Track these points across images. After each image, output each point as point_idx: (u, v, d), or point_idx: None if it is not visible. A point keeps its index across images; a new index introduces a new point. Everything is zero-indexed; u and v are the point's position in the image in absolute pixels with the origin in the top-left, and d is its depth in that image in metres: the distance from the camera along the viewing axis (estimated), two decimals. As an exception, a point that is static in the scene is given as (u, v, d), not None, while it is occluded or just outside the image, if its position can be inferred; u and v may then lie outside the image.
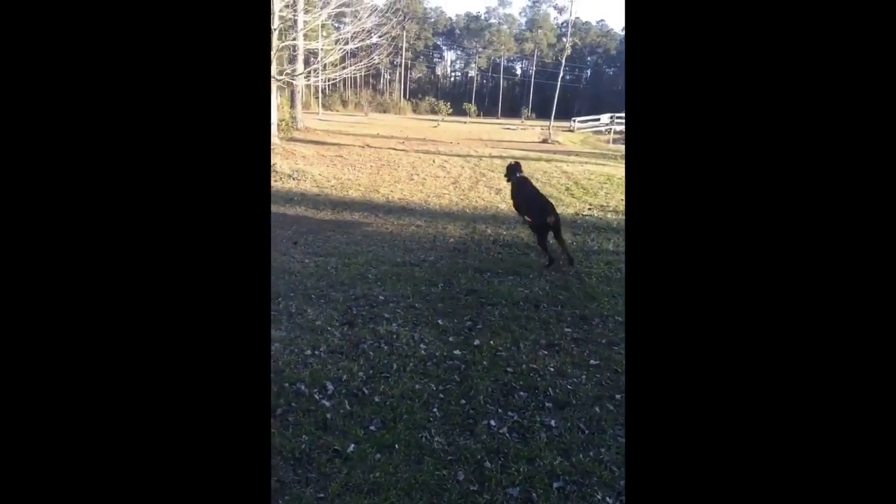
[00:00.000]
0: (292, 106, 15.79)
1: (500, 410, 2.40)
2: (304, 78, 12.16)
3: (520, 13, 57.45)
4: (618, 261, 4.86)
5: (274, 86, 10.71)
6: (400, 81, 52.75)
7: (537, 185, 5.87)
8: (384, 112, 39.08)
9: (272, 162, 9.02)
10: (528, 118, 35.62)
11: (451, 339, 3.13)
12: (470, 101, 41.26)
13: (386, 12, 12.97)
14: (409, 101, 45.75)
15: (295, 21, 11.40)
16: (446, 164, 10.11)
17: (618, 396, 2.55)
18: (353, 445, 2.10)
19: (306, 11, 11.39)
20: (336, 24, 20.58)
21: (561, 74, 22.75)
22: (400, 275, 4.24)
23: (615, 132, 21.14)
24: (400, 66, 51.69)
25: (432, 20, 56.35)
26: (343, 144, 13.29)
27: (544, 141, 18.07)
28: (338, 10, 12.03)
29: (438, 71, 61.90)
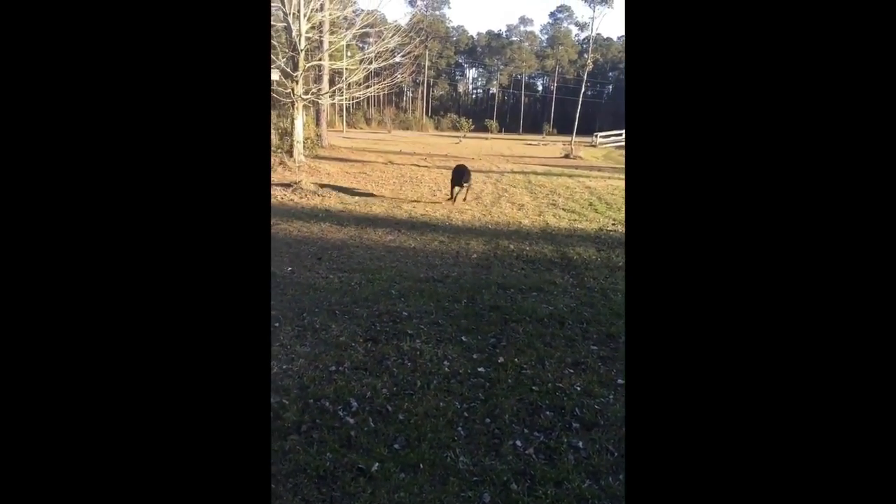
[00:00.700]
0: (317, 124, 16.11)
1: (525, 430, 2.36)
2: (329, 97, 12.41)
3: (541, 30, 57.83)
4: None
5: (300, 105, 10.95)
6: (422, 99, 53.39)
7: (558, 199, 5.87)
8: (407, 129, 39.54)
9: (298, 180, 9.18)
10: (549, 134, 35.60)
11: (475, 356, 3.10)
12: (491, 118, 41.55)
13: (409, 32, 13.22)
14: (432, 118, 46.27)
15: (321, 42, 11.69)
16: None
17: (647, 417, 2.48)
18: (377, 464, 2.08)
19: (332, 33, 11.68)
20: (360, 45, 21.05)
21: (582, 90, 22.73)
22: (423, 291, 4.24)
23: (639, 147, 20.84)
24: (422, 83, 52.35)
25: (454, 38, 57.08)
26: (367, 161, 13.47)
27: (566, 156, 18.01)
28: (362, 30, 12.30)
29: (460, 88, 62.51)
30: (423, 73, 50.46)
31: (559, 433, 2.34)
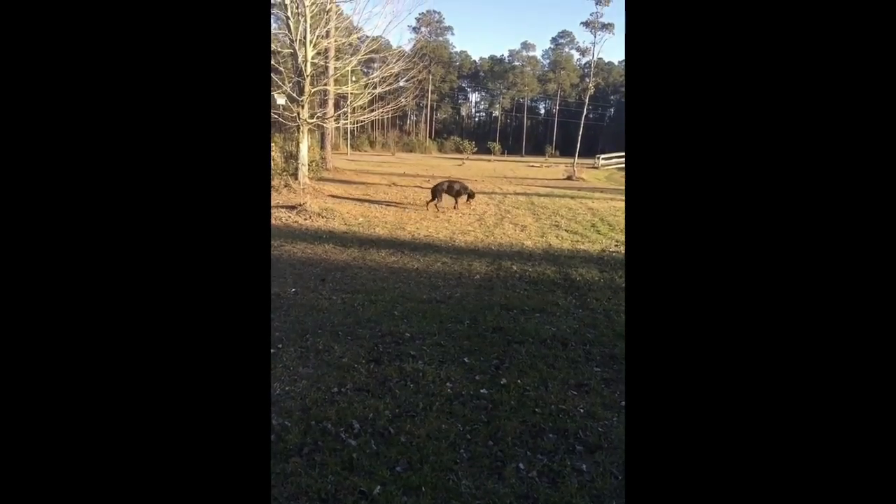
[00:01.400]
0: (322, 147, 16.32)
1: (528, 453, 2.34)
2: (334, 121, 12.61)
3: (542, 55, 58.87)
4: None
5: (305, 129, 11.13)
6: (426, 122, 54.11)
7: (561, 220, 5.95)
8: (410, 151, 39.95)
9: (303, 202, 9.27)
10: (552, 156, 35.91)
11: (477, 377, 3.09)
12: (494, 140, 41.97)
13: (413, 57, 13.47)
14: (435, 141, 46.79)
15: (326, 67, 11.92)
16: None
17: (652, 440, 2.45)
18: (379, 487, 2.06)
19: (337, 59, 11.92)
20: (365, 70, 21.43)
21: (584, 113, 23.01)
22: (426, 312, 4.24)
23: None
24: (426, 107, 53.13)
25: (457, 63, 58.12)
26: (370, 183, 13.60)
27: (569, 178, 18.13)
28: (367, 56, 12.55)
29: (463, 112, 63.29)
30: (427, 97, 51.23)
31: (562, 456, 2.32)
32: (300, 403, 2.70)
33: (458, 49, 59.63)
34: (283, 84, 10.65)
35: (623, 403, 2.82)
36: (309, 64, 10.54)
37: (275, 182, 10.82)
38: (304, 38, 10.33)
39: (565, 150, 37.92)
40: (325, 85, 11.84)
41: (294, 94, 10.70)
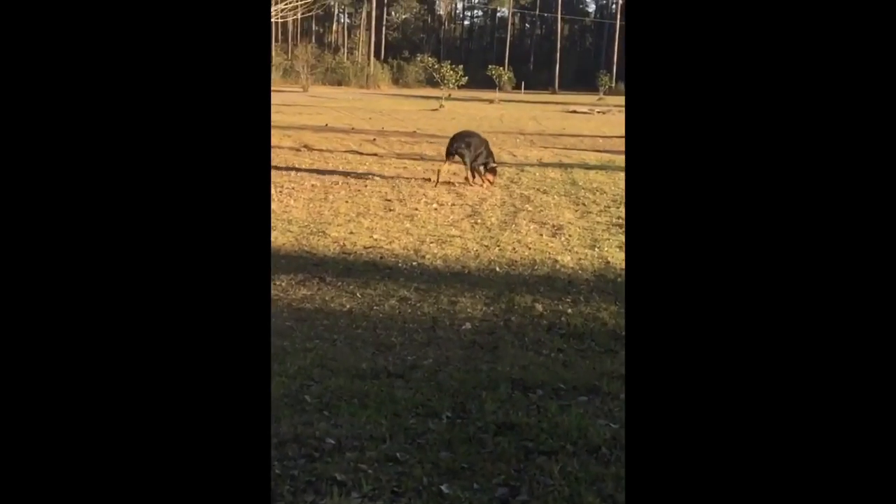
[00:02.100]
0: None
1: None
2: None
3: None
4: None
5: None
6: (368, 30, 31.56)
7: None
8: (339, 84, 25.90)
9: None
10: (608, 92, 23.29)
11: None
12: (500, 64, 26.49)
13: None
14: (386, 65, 29.10)
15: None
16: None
17: None
18: None
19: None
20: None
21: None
22: (367, 395, 2.63)
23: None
24: (369, 1, 31.16)
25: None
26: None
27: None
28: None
29: (440, 9, 33.84)
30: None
31: None
32: None
33: None
34: None
35: None
36: None
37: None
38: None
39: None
40: None
41: None
